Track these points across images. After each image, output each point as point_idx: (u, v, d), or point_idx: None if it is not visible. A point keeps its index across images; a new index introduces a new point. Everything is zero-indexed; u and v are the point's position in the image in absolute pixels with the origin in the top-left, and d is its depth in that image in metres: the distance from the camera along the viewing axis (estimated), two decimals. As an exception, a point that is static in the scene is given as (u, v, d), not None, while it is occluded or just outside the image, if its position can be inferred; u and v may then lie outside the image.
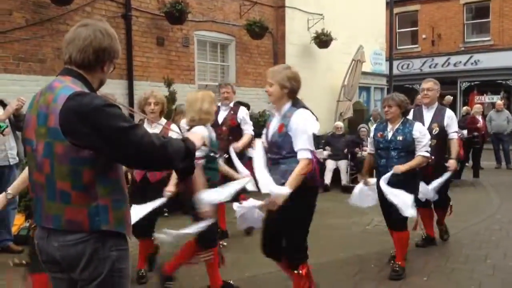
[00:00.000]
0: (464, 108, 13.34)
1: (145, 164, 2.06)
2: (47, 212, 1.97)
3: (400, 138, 4.63)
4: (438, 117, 5.37)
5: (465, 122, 11.45)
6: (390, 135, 4.69)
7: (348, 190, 9.32)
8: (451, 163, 5.28)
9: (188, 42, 9.61)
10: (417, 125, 4.71)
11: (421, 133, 4.66)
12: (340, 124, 10.62)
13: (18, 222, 5.68)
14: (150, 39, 8.93)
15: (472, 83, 21.07)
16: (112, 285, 2.00)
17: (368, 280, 4.47)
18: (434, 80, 5.50)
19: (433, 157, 4.92)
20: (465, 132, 11.61)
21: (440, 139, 5.32)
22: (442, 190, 5.37)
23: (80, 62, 2.01)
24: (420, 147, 4.64)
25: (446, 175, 5.24)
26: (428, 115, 5.44)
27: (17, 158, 5.36)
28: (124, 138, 1.87)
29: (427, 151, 4.64)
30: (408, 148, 4.62)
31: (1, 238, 5.42)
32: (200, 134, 2.31)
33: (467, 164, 11.70)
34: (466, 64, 21.01)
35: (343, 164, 9.77)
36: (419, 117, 5.33)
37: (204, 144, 2.26)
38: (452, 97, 12.91)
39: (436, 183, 5.12)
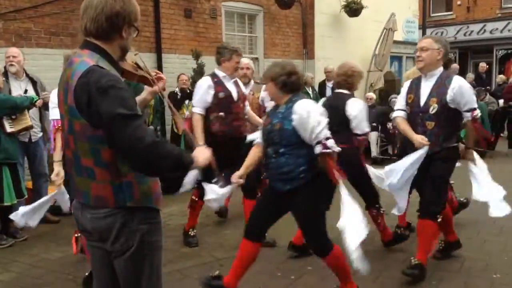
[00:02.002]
0: (500, 76, 12.92)
1: (129, 157, 1.83)
2: (77, 187, 2.01)
3: (277, 126, 3.18)
4: (440, 89, 3.83)
5: (502, 91, 11.12)
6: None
7: (378, 162, 9.29)
8: (466, 153, 4.02)
9: (216, 13, 9.53)
10: (298, 104, 3.12)
11: (302, 116, 3.05)
12: (371, 95, 10.48)
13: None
14: (177, 11, 8.89)
15: (509, 51, 20.26)
16: (143, 258, 2.02)
17: (397, 251, 4.45)
18: (435, 37, 4.02)
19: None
20: (501, 101, 11.26)
21: (441, 121, 3.82)
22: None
23: (95, 32, 1.95)
24: (312, 138, 3.06)
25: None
26: (425, 86, 3.92)
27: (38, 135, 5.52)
28: (117, 125, 1.78)
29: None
30: (290, 142, 3.13)
31: None
32: (208, 153, 2.04)
33: (501, 134, 11.41)
34: (503, 31, 20.17)
35: (373, 136, 9.65)
36: (415, 90, 3.97)
37: (209, 167, 2.02)
38: (486, 65, 12.49)
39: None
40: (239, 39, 10.45)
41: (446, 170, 3.94)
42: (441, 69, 3.92)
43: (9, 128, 4.88)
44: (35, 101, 5.03)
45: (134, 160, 1.82)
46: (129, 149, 1.79)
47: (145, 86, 2.43)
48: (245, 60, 5.07)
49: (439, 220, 3.87)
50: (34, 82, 5.46)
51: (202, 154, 2.01)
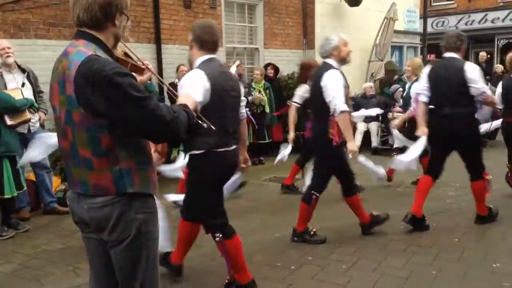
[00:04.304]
0: (498, 65, 12.85)
1: (153, 136, 1.99)
2: (75, 178, 2.01)
3: None
4: None
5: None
6: None
7: (378, 152, 9.28)
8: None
9: (215, 3, 9.47)
10: None
11: None
12: (372, 84, 10.49)
13: (54, 184, 5.87)
14: (177, 1, 8.81)
15: (510, 40, 20.22)
16: (140, 247, 2.03)
17: (397, 241, 4.47)
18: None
19: None
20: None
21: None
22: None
23: (88, 21, 1.95)
24: None
25: None
26: None
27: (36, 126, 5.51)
28: (134, 108, 1.83)
29: None
30: None
31: (45, 201, 5.64)
32: (193, 98, 2.18)
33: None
34: (504, 20, 20.09)
35: (374, 126, 9.66)
36: None
37: (195, 110, 2.11)
38: (487, 54, 12.41)
39: None
40: (239, 29, 10.40)
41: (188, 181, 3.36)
42: (198, 62, 3.34)
43: (9, 121, 4.90)
44: (35, 108, 5.16)
45: (159, 135, 1.97)
46: (152, 129, 1.89)
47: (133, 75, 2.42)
48: None
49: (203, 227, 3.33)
50: (25, 73, 5.44)
51: (188, 99, 2.10)
